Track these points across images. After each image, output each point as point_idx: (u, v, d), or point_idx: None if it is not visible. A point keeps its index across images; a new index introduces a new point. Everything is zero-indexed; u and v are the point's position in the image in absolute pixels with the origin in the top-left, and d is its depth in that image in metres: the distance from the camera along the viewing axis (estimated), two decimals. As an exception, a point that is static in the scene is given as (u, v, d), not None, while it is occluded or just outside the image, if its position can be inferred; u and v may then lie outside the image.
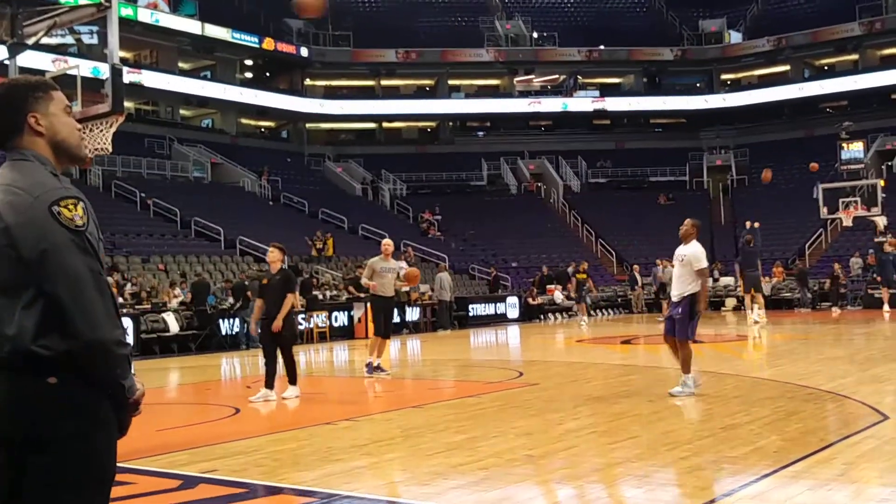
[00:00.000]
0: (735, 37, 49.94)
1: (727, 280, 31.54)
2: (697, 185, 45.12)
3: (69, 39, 36.01)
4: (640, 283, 30.95)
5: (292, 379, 10.23)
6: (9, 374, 2.35)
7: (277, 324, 9.77)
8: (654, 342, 18.73)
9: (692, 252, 9.27)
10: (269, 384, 10.00)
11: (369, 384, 13.12)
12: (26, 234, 2.33)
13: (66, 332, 2.31)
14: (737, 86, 50.74)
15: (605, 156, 47.17)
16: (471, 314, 26.92)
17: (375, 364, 12.46)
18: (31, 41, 9.71)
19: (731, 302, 30.14)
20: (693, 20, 50.22)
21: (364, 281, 13.15)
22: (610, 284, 34.36)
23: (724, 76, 50.74)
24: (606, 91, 50.34)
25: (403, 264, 13.07)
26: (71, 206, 2.37)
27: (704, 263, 9.27)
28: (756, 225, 22.81)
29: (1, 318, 2.34)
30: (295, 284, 10.25)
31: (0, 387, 2.36)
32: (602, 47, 48.61)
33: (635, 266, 31.49)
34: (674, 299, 9.40)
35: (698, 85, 50.84)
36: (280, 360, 10.11)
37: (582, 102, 49.05)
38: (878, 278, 26.33)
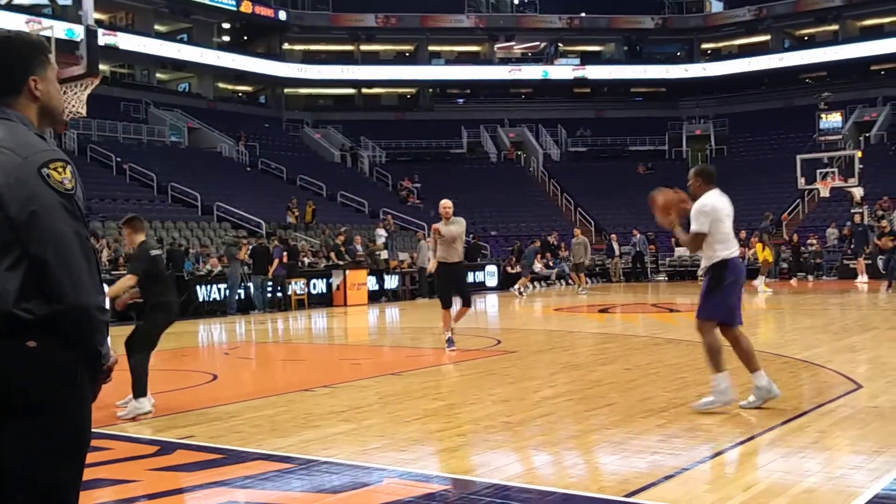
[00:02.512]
0: (716, 6, 49.92)
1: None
2: (676, 154, 45.23)
3: (43, 0, 35.44)
4: (617, 253, 31.07)
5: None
6: (-12, 337, 2.32)
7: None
8: (630, 311, 18.87)
9: (695, 206, 6.67)
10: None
11: (347, 351, 13.14)
12: (14, 195, 2.28)
13: (50, 295, 2.29)
14: (717, 55, 50.77)
15: (585, 124, 47.15)
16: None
17: (447, 336, 11.14)
18: (3, 1, 9.54)
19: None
20: (674, -12, 50.14)
21: (430, 266, 11.71)
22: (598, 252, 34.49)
23: (704, 45, 50.75)
24: (587, 59, 50.25)
25: (462, 224, 11.21)
26: (60, 169, 2.34)
27: (697, 225, 6.54)
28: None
29: None
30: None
31: (-22, 349, 2.34)
32: (583, 14, 48.45)
33: (613, 235, 31.59)
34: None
35: (679, 54, 50.83)
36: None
37: (562, 70, 48.94)
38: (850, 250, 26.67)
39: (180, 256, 21.18)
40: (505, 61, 49.61)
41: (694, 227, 6.54)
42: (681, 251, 32.26)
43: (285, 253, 21.49)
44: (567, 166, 43.54)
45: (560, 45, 50.19)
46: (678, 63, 49.91)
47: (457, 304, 11.28)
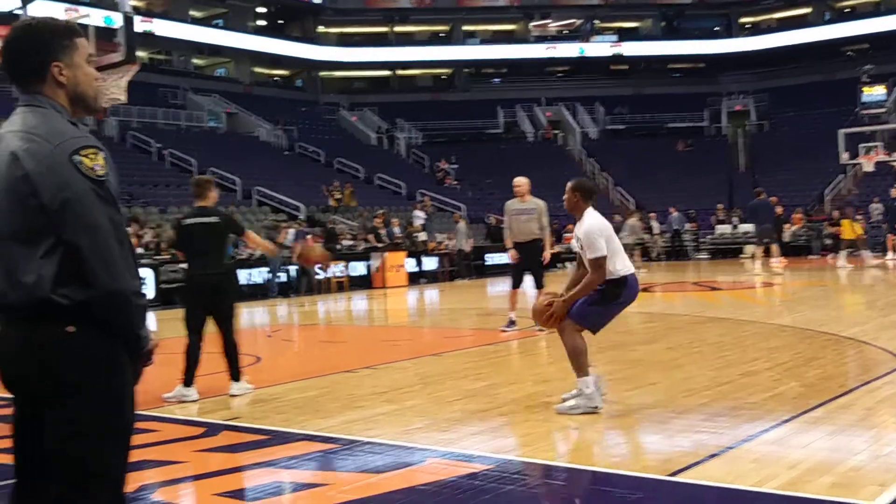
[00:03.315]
0: (755, -22, 49.07)
1: (746, 227, 31.34)
2: (716, 130, 44.66)
3: (81, -12, 35.73)
4: (657, 231, 30.84)
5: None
6: (27, 323, 2.36)
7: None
8: (671, 290, 18.72)
9: (586, 230, 6.09)
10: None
11: (387, 333, 13.20)
12: (47, 183, 2.31)
13: (85, 281, 2.31)
14: (756, 29, 49.93)
15: (622, 102, 46.70)
16: (487, 263, 26.91)
17: (512, 318, 10.97)
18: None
19: (750, 248, 29.95)
20: (712, -38, 49.37)
21: (506, 233, 11.19)
22: (625, 232, 34.22)
23: (743, 19, 49.92)
24: (624, 35, 49.70)
25: (537, 203, 10.80)
26: (91, 156, 2.35)
27: (597, 251, 5.95)
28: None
29: (19, 266, 2.33)
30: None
31: (18, 335, 2.38)
32: (620, -10, 47.89)
33: (652, 214, 31.34)
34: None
35: (717, 29, 50.05)
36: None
37: (599, 47, 48.46)
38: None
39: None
40: (541, 39, 49.21)
41: (594, 255, 5.93)
42: (722, 229, 31.94)
43: (309, 237, 21.56)
44: (605, 144, 43.20)
45: (596, 21, 49.69)
46: (717, 38, 49.17)
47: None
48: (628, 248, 24.62)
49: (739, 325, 10.86)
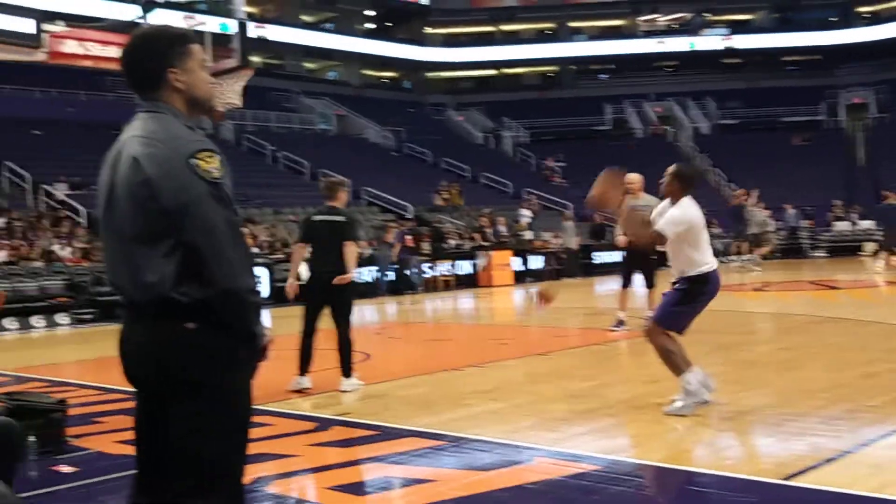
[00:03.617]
0: (873, -33, 47.06)
1: (866, 223, 30.11)
2: (834, 124, 43.01)
3: (198, -3, 36.98)
4: (772, 228, 29.89)
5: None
6: (149, 320, 2.46)
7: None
8: (788, 289, 18.14)
9: (678, 212, 5.97)
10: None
11: (493, 331, 13.23)
12: (167, 186, 2.40)
13: (203, 280, 2.40)
14: (875, 19, 47.79)
15: (735, 96, 45.42)
16: (595, 262, 26.63)
17: (621, 318, 10.82)
18: None
19: (869, 246, 28.76)
20: (827, -49, 47.56)
21: (617, 230, 10.63)
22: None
23: (860, 9, 47.85)
24: (736, 28, 48.35)
25: (643, 202, 10.08)
26: (208, 158, 2.44)
27: (668, 229, 5.87)
28: None
29: (141, 266, 2.43)
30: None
31: (141, 332, 2.49)
32: (731, -18, 46.66)
33: (766, 210, 30.40)
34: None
35: (833, 19, 48.15)
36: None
37: (710, 41, 47.31)
38: None
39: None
40: (649, 34, 48.35)
41: (662, 226, 5.81)
42: (841, 226, 30.77)
43: (408, 236, 21.76)
44: (717, 139, 42.12)
45: (707, 14, 48.52)
46: (833, 29, 47.30)
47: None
48: (756, 238, 23.73)
49: (859, 325, 10.46)
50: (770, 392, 6.55)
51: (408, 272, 21.42)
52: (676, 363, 5.89)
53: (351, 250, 7.51)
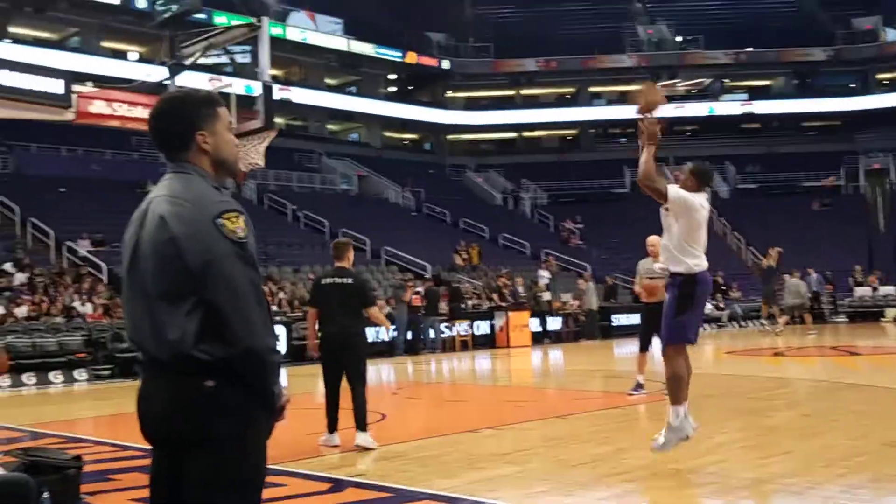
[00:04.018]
0: (892, 34, 47.41)
1: (888, 289, 29.86)
2: (854, 189, 42.98)
3: (224, 59, 37.65)
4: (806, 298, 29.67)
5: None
6: (170, 377, 2.48)
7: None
8: (809, 354, 17.96)
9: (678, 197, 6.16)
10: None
11: (511, 393, 13.13)
12: (192, 245, 2.44)
13: (225, 338, 2.42)
14: (894, 85, 48.07)
15: (754, 160, 45.60)
16: (614, 324, 26.49)
17: (639, 381, 10.65)
18: (188, 62, 10.25)
19: (891, 312, 28.50)
20: (845, 19, 47.97)
21: (636, 289, 10.95)
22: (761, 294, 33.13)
23: (880, 76, 48.18)
24: (755, 94, 48.75)
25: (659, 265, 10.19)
26: (233, 219, 2.48)
27: (669, 190, 6.17)
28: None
29: (164, 323, 2.46)
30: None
31: (162, 388, 2.51)
32: (750, 49, 47.15)
33: (786, 276, 30.27)
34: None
35: (852, 86, 48.45)
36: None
37: (729, 106, 47.67)
38: None
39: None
40: (668, 99, 48.77)
41: (670, 190, 6.11)
42: (862, 291, 30.53)
43: (415, 296, 21.81)
44: (737, 203, 42.13)
45: (726, 80, 48.96)
46: (853, 95, 47.57)
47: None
48: (791, 310, 23.51)
49: (880, 392, 10.32)
50: (791, 459, 6.45)
51: (422, 333, 21.44)
52: (678, 391, 5.90)
53: (375, 313, 7.85)
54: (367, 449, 7.39)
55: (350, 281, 7.72)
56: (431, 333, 21.62)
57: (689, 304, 5.96)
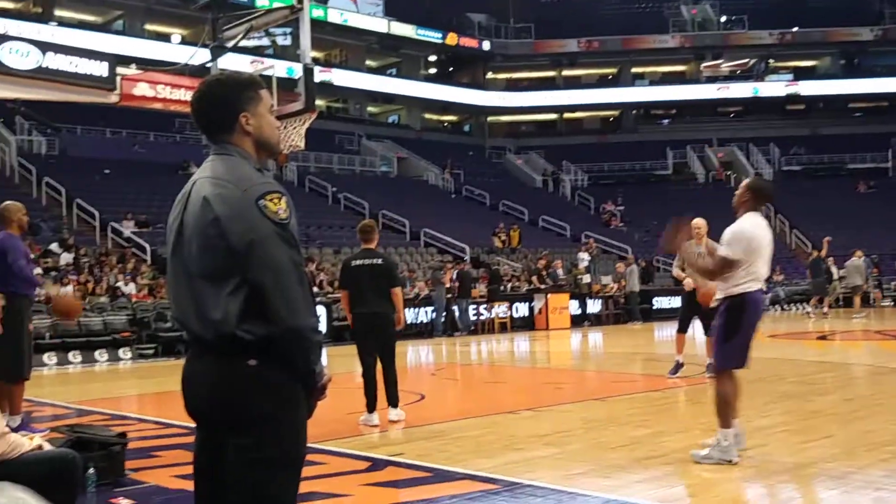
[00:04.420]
0: (942, 13, 46.34)
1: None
2: (902, 172, 42.17)
3: (265, 41, 37.96)
4: (836, 277, 29.26)
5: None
6: (213, 357, 2.52)
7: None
8: (853, 338, 17.71)
9: (733, 230, 5.81)
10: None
11: (549, 375, 13.12)
12: (235, 226, 2.47)
13: (267, 318, 2.44)
14: (945, 65, 47.01)
15: (799, 142, 44.88)
16: (654, 307, 26.33)
17: (679, 361, 10.69)
18: (230, 44, 10.29)
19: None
20: (895, -4, 46.97)
21: (675, 272, 10.79)
22: (805, 277, 32.68)
23: (930, 55, 47.13)
24: (800, 74, 47.94)
25: (702, 248, 9.66)
26: (276, 200, 2.50)
27: (731, 251, 5.68)
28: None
29: (207, 303, 2.49)
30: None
31: (205, 368, 2.54)
32: (795, 29, 46.32)
33: (831, 259, 29.82)
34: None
35: (901, 65, 47.45)
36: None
37: (774, 87, 46.95)
38: None
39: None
40: (712, 80, 48.13)
41: (723, 253, 5.65)
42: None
43: (444, 275, 21.92)
44: (781, 186, 41.36)
45: (771, 61, 48.19)
46: (901, 75, 46.60)
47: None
48: (856, 291, 23.22)
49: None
50: (833, 443, 6.38)
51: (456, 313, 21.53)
52: (726, 414, 5.75)
53: (398, 296, 7.88)
54: (395, 421, 7.72)
55: (380, 262, 7.88)
56: (457, 313, 21.61)
57: (736, 329, 5.72)
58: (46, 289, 9.28)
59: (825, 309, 22.81)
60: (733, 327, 5.71)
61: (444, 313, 21.29)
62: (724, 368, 5.81)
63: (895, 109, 46.40)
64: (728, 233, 5.78)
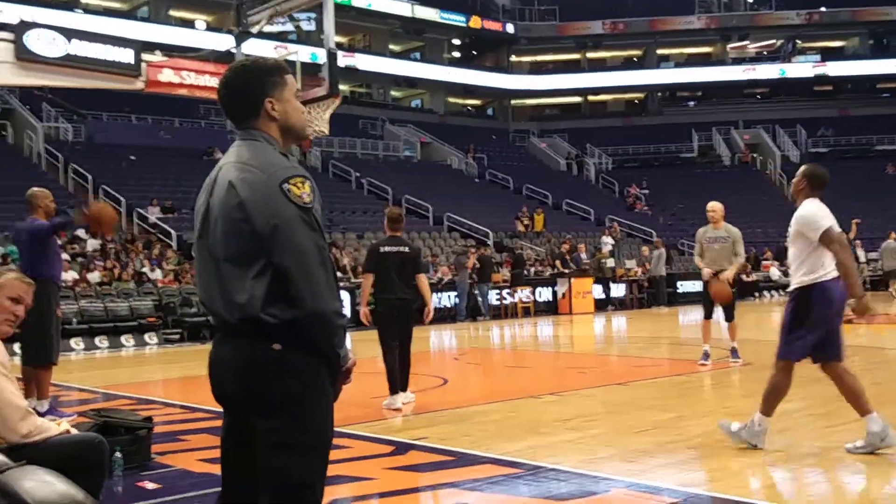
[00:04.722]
0: (975, -10, 45.55)
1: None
2: (931, 153, 41.60)
3: (289, 27, 37.95)
4: (863, 259, 28.98)
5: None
6: (238, 340, 2.54)
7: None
8: (880, 322, 17.52)
9: (802, 215, 5.61)
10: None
11: (573, 359, 13.10)
12: (259, 210, 2.49)
13: (291, 301, 2.46)
14: (975, 45, 46.30)
15: (826, 123, 44.39)
16: (679, 290, 26.20)
17: (706, 350, 10.39)
18: (254, 29, 10.33)
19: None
20: (925, -25, 46.20)
21: (696, 259, 10.60)
22: (831, 260, 32.38)
23: (961, 34, 46.41)
24: (828, 55, 47.36)
25: (721, 231, 10.06)
26: (300, 184, 2.52)
27: (824, 224, 5.45)
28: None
29: (232, 287, 2.52)
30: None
31: (231, 352, 2.57)
32: (823, 9, 45.75)
33: (857, 241, 29.50)
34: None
35: (931, 45, 46.79)
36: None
37: (801, 68, 46.42)
38: None
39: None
40: (738, 61, 47.66)
41: (818, 231, 5.39)
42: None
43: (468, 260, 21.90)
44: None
45: (798, 41, 47.62)
46: (931, 55, 45.94)
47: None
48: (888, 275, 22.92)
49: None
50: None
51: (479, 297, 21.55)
52: (770, 403, 5.64)
53: (424, 282, 8.06)
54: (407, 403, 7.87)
55: (407, 250, 7.99)
56: (479, 298, 21.62)
57: (802, 321, 5.53)
58: (75, 215, 9.23)
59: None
60: (799, 319, 5.55)
61: (468, 298, 21.31)
62: (781, 358, 5.69)
63: (924, 90, 45.81)
64: (795, 220, 5.62)
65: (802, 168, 5.97)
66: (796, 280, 5.60)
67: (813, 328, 5.51)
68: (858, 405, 5.55)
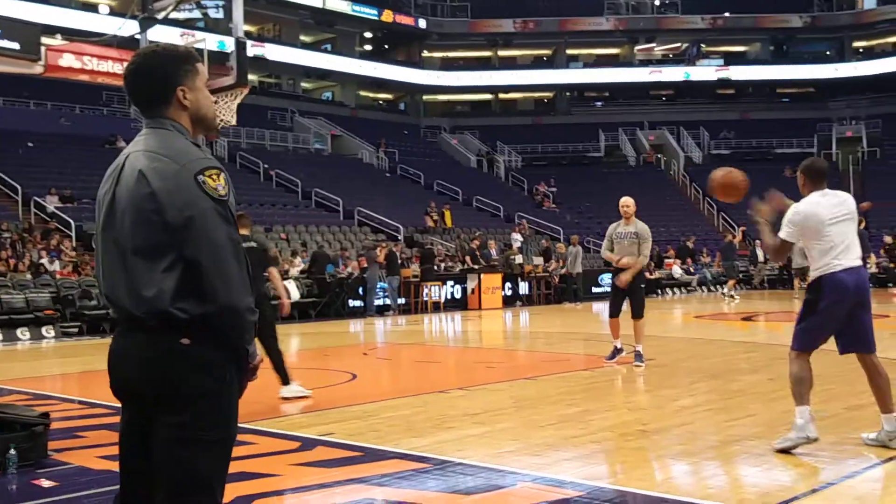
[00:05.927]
0: (868, 2, 47.61)
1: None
2: (826, 157, 43.28)
3: (196, 14, 37.19)
4: (762, 259, 30.03)
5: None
6: (145, 334, 2.46)
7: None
8: (776, 319, 18.19)
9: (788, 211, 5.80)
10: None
11: (481, 355, 13.19)
12: (173, 201, 2.41)
13: (202, 296, 2.41)
14: (870, 54, 48.39)
15: (728, 126, 45.79)
16: (592, 288, 26.62)
17: (617, 346, 10.37)
18: (160, 16, 10.08)
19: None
20: (824, -15, 48.11)
21: (604, 253, 10.59)
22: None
23: (856, 44, 48.45)
24: (731, 59, 48.87)
25: (631, 227, 10.16)
26: (215, 176, 2.46)
27: (782, 232, 5.66)
28: None
29: (140, 280, 2.44)
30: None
31: (136, 345, 2.49)
32: (727, 14, 47.15)
33: (758, 241, 30.56)
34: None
35: (828, 53, 48.69)
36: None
37: (705, 71, 47.76)
38: None
39: (324, 259, 21.85)
40: (645, 63, 48.75)
41: (781, 233, 5.63)
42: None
43: (363, 257, 21.97)
44: (709, 169, 41.77)
45: (703, 45, 48.98)
46: (828, 62, 47.79)
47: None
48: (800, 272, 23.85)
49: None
50: (755, 422, 6.55)
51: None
52: (801, 393, 5.61)
53: (275, 275, 8.33)
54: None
55: (256, 246, 8.09)
56: (379, 293, 21.65)
57: (811, 311, 5.56)
58: None
59: (732, 292, 23.75)
60: (808, 310, 5.59)
61: (376, 293, 21.26)
62: (793, 349, 5.71)
63: (821, 96, 47.64)
64: (788, 212, 5.70)
65: (800, 166, 5.99)
66: (810, 273, 5.71)
67: (821, 319, 5.54)
68: (882, 401, 5.58)
